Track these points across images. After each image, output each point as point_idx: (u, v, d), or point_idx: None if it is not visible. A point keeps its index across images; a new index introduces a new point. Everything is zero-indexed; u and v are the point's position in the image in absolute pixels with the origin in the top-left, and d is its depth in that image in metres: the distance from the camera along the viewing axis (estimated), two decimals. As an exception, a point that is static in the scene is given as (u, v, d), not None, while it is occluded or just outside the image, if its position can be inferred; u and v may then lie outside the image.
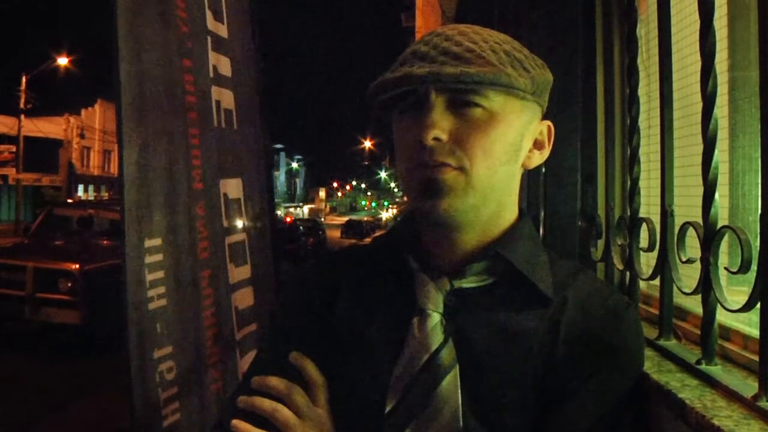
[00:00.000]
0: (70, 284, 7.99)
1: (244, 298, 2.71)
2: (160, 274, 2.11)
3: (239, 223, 2.73)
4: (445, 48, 0.96)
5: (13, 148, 35.39)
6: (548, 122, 1.08)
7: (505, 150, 0.99)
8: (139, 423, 2.00)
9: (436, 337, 0.98)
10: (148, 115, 2.11)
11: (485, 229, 1.02)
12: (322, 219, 63.28)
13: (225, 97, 2.68)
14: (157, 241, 2.11)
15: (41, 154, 38.32)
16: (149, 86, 2.13)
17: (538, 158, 1.08)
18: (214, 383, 2.37)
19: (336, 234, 45.89)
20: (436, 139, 0.94)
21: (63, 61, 34.76)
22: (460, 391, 0.96)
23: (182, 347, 2.19)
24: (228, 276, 2.59)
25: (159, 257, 2.12)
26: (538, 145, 1.06)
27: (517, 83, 0.96)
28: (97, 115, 44.29)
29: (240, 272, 2.70)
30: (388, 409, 0.97)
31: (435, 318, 0.99)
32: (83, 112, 43.14)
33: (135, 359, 2.00)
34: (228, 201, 2.63)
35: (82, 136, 41.80)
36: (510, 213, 1.06)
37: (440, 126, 0.95)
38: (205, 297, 2.38)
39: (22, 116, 34.04)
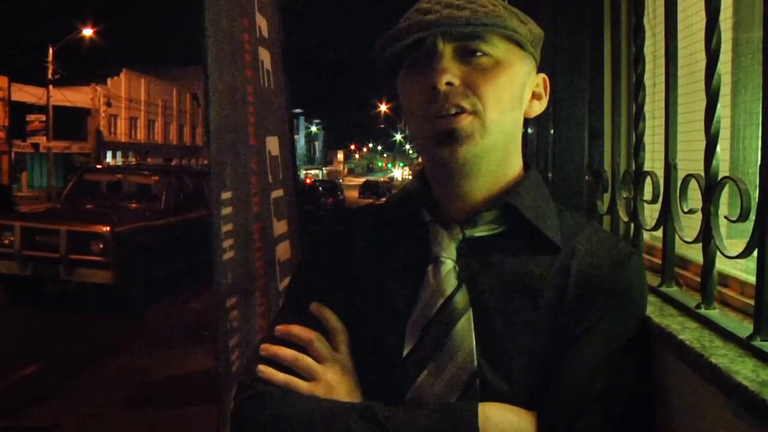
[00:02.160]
0: (101, 246, 8.10)
1: (284, 251, 2.74)
2: (230, 227, 2.13)
3: (278, 179, 2.76)
4: (448, 2, 0.98)
5: (43, 118, 35.53)
6: (543, 75, 1.10)
7: (511, 96, 1.01)
8: (217, 369, 2.05)
9: (450, 283, 1.00)
10: (223, 72, 2.11)
11: (494, 176, 1.04)
12: (341, 180, 63.25)
13: (266, 58, 2.69)
14: (228, 194, 2.13)
15: (70, 122, 38.48)
16: (223, 44, 2.12)
17: (538, 107, 1.09)
18: (259, 332, 2.40)
19: (354, 194, 45.95)
20: (449, 83, 0.96)
21: (88, 32, 34.69)
22: (474, 333, 0.98)
23: (244, 297, 2.22)
24: (273, 229, 2.62)
25: (230, 210, 2.13)
26: (536, 95, 1.08)
27: (520, 30, 1.00)
28: (123, 84, 44.30)
29: (280, 226, 2.73)
30: (405, 352, 0.99)
31: (448, 264, 1.01)
32: (109, 81, 43.14)
33: (218, 309, 2.04)
34: (271, 157, 2.65)
35: (108, 104, 41.87)
36: (516, 161, 1.07)
37: (452, 72, 0.96)
38: (257, 249, 2.41)
39: (50, 86, 34.10)
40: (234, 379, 2.11)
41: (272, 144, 2.69)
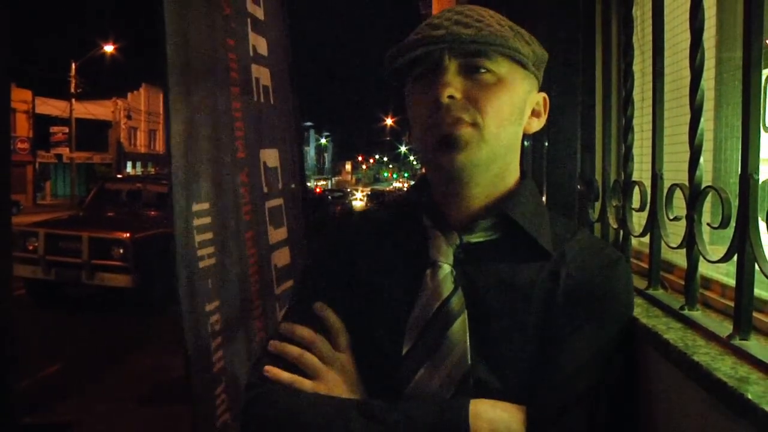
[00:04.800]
0: (121, 251, 8.14)
1: (282, 257, 2.75)
2: (209, 236, 2.12)
3: (277, 189, 2.76)
4: (457, 19, 1.00)
5: (66, 130, 35.78)
6: (544, 94, 1.11)
7: (511, 111, 1.02)
8: (193, 370, 2.03)
9: (447, 286, 1.01)
10: (193, 90, 2.11)
11: (492, 186, 1.04)
12: (349, 190, 63.20)
13: (263, 75, 2.69)
14: (205, 205, 2.12)
15: (92, 134, 38.75)
16: (195, 63, 2.12)
17: (537, 124, 1.11)
18: (258, 333, 2.41)
19: (360, 205, 45.93)
20: (451, 97, 0.97)
21: (109, 48, 34.91)
22: (468, 334, 0.99)
23: (227, 301, 2.22)
24: (268, 237, 2.63)
25: (207, 220, 2.12)
26: (536, 113, 1.09)
27: (523, 50, 1.01)
28: (142, 98, 44.51)
29: (278, 233, 2.74)
30: (404, 351, 1.00)
31: (446, 269, 1.02)
32: (129, 95, 43.39)
33: (187, 313, 2.02)
34: (267, 169, 2.66)
35: (129, 117, 42.11)
36: (513, 173, 1.08)
37: (454, 86, 0.98)
38: (250, 256, 2.41)
39: (73, 100, 34.33)
40: (216, 378, 2.12)
41: (268, 156, 2.70)
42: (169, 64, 1.98)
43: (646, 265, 1.38)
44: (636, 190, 1.39)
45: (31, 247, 8.40)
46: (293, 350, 1.05)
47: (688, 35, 1.15)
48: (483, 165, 1.01)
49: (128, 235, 8.22)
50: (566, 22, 1.90)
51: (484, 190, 1.04)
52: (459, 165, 0.99)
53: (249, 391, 1.04)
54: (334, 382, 1.02)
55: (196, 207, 2.08)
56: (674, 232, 1.23)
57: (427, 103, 0.99)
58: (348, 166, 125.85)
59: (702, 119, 1.12)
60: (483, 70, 0.99)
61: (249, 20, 2.59)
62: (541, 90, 1.11)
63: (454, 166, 0.99)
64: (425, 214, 1.07)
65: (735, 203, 0.97)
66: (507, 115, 1.01)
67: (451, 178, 1.02)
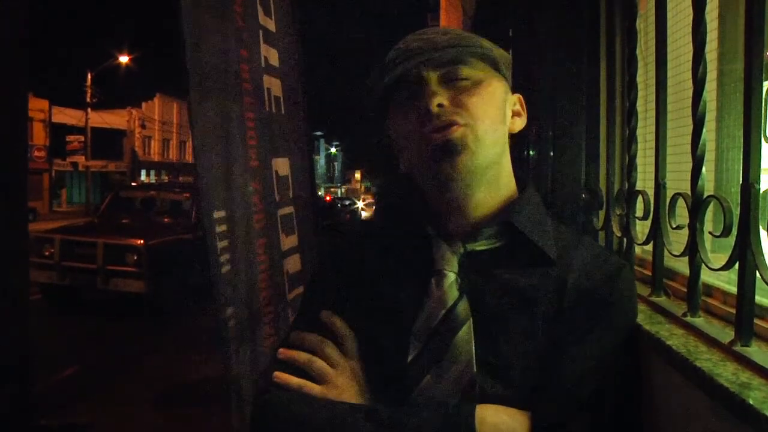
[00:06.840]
0: (135, 257, 8.18)
1: (293, 264, 2.76)
2: (225, 243, 2.15)
3: (288, 198, 2.78)
4: (427, 38, 1.04)
5: (82, 138, 36.05)
6: (518, 95, 1.13)
7: (496, 111, 1.04)
8: (229, 374, 2.08)
9: (452, 294, 1.01)
10: (210, 99, 2.12)
11: (490, 191, 1.05)
12: (360, 199, 63.12)
13: (274, 85, 2.70)
14: (222, 213, 2.14)
15: (107, 143, 39.00)
16: (211, 72, 2.13)
17: (520, 123, 1.12)
18: (268, 338, 2.42)
19: (369, 210, 45.89)
20: (440, 105, 0.99)
21: (124, 58, 35.17)
22: (473, 341, 0.99)
23: (239, 307, 2.24)
24: (280, 244, 2.64)
25: (224, 227, 2.15)
26: (516, 113, 1.11)
27: (492, 53, 1.05)
28: (157, 108, 44.78)
29: (289, 241, 2.75)
30: (410, 357, 1.00)
31: (451, 277, 1.02)
32: (144, 105, 43.68)
33: (220, 319, 2.06)
34: (278, 177, 2.67)
35: (143, 126, 42.37)
36: (509, 178, 1.09)
37: (441, 94, 1.00)
38: (260, 263, 2.43)
39: (89, 109, 34.57)
40: (235, 382, 2.14)
41: (280, 165, 2.71)
42: (190, 73, 1.98)
43: (649, 273, 1.38)
44: (639, 199, 1.39)
45: (47, 253, 8.44)
46: (302, 356, 1.05)
47: (690, 48, 1.16)
48: (482, 167, 1.01)
49: (142, 241, 8.26)
50: (571, 35, 1.91)
51: (484, 196, 1.04)
52: (461, 168, 0.99)
53: (259, 397, 1.05)
54: (343, 387, 1.02)
55: (216, 215, 2.10)
56: (677, 240, 1.23)
57: (418, 117, 1.00)
58: (357, 175, 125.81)
59: (704, 130, 1.12)
60: (462, 77, 1.02)
61: (261, 32, 2.61)
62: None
63: (456, 171, 0.99)
64: (428, 223, 1.07)
65: (736, 212, 0.98)
66: (493, 114, 1.03)
67: (453, 183, 1.01)
